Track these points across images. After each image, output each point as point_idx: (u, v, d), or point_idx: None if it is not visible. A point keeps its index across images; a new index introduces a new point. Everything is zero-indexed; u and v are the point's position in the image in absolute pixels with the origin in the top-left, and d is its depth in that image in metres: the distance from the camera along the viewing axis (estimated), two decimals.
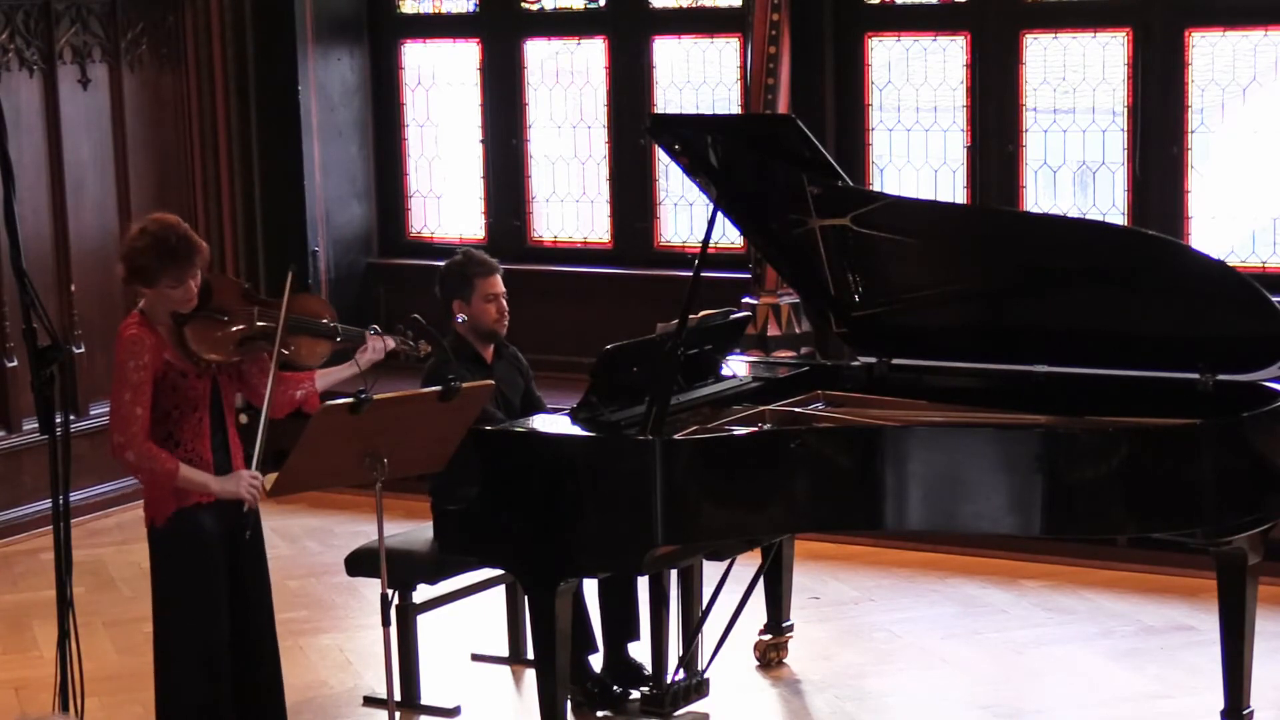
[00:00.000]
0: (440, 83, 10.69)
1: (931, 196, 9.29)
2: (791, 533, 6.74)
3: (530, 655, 6.49)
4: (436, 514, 6.09)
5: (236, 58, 10.10)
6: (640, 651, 6.63)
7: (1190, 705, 6.49)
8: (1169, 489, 5.72)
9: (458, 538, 6.02)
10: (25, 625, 7.67)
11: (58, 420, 5.11)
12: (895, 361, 6.71)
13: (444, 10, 10.70)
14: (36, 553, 8.63)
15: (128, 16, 9.55)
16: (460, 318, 6.47)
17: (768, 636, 7.01)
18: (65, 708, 5.15)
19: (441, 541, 6.09)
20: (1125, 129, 9.01)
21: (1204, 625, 7.17)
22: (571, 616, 6.00)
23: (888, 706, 6.67)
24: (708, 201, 6.37)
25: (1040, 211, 8.98)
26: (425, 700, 6.60)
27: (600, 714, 6.51)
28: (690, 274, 6.06)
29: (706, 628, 6.46)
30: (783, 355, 8.67)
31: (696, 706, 6.43)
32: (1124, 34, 8.98)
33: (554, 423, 6.14)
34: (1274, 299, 5.88)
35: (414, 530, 6.63)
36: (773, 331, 8.91)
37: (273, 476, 5.55)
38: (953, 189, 9.39)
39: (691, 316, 6.05)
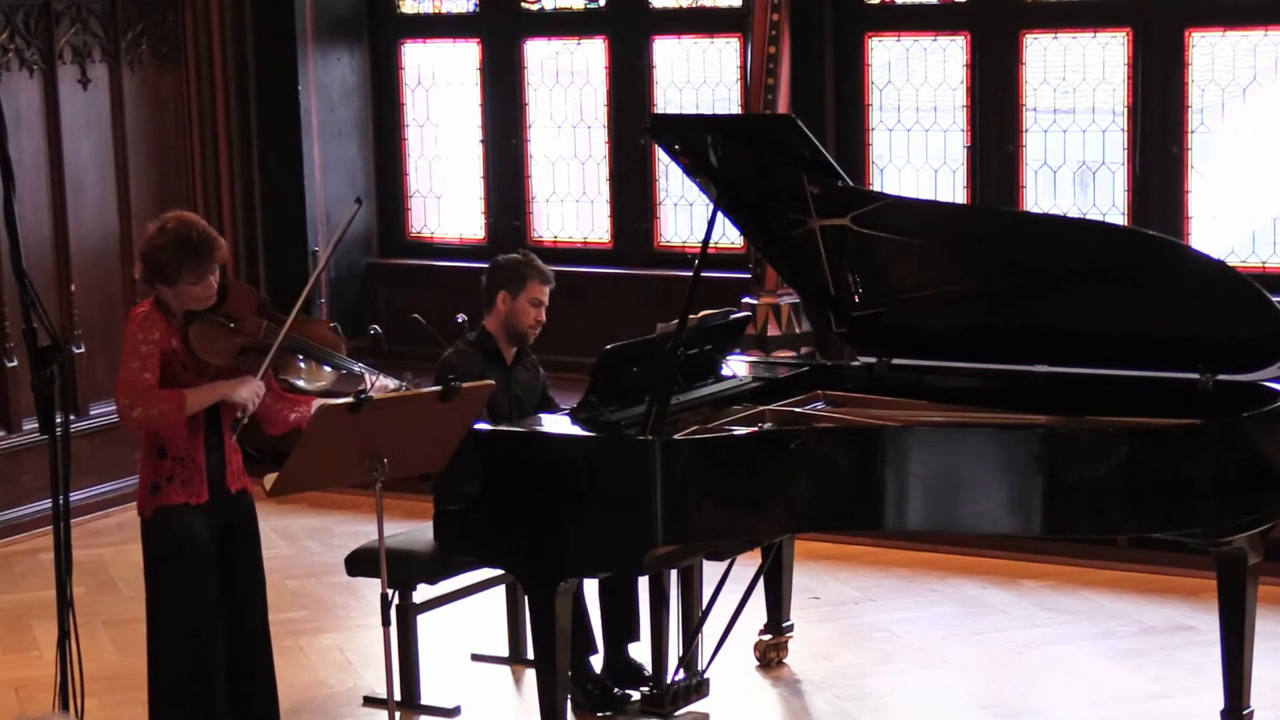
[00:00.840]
0: (440, 83, 10.70)
1: (931, 196, 9.29)
2: (791, 533, 6.74)
3: (530, 655, 6.49)
4: (436, 514, 6.09)
5: (236, 58, 10.10)
6: (640, 651, 6.63)
7: (1190, 705, 6.49)
8: (1169, 489, 5.72)
9: (458, 537, 6.02)
10: (25, 625, 7.67)
11: (58, 420, 5.11)
12: (895, 361, 6.71)
13: (444, 10, 10.70)
14: (36, 553, 8.63)
15: (128, 16, 9.55)
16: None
17: (768, 636, 7.01)
18: (65, 708, 5.15)
19: (441, 541, 6.09)
20: (1125, 129, 9.02)
21: (1204, 625, 7.17)
22: (571, 616, 6.00)
23: (888, 706, 6.67)
24: (708, 201, 6.37)
25: (1040, 211, 8.99)
26: (425, 700, 6.60)
27: (600, 714, 6.50)
28: (690, 274, 6.05)
29: (706, 628, 6.46)
30: (783, 355, 8.67)
31: (696, 706, 6.43)
32: (1124, 34, 8.98)
33: (554, 423, 6.14)
34: (1274, 299, 5.88)
35: (414, 530, 6.63)
36: (773, 331, 8.91)
37: (272, 476, 5.55)
38: (953, 189, 9.40)
39: (691, 316, 6.05)
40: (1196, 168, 8.89)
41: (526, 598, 6.05)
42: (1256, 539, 5.89)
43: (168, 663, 5.62)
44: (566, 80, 10.35)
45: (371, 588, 7.13)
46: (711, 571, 6.54)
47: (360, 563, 6.54)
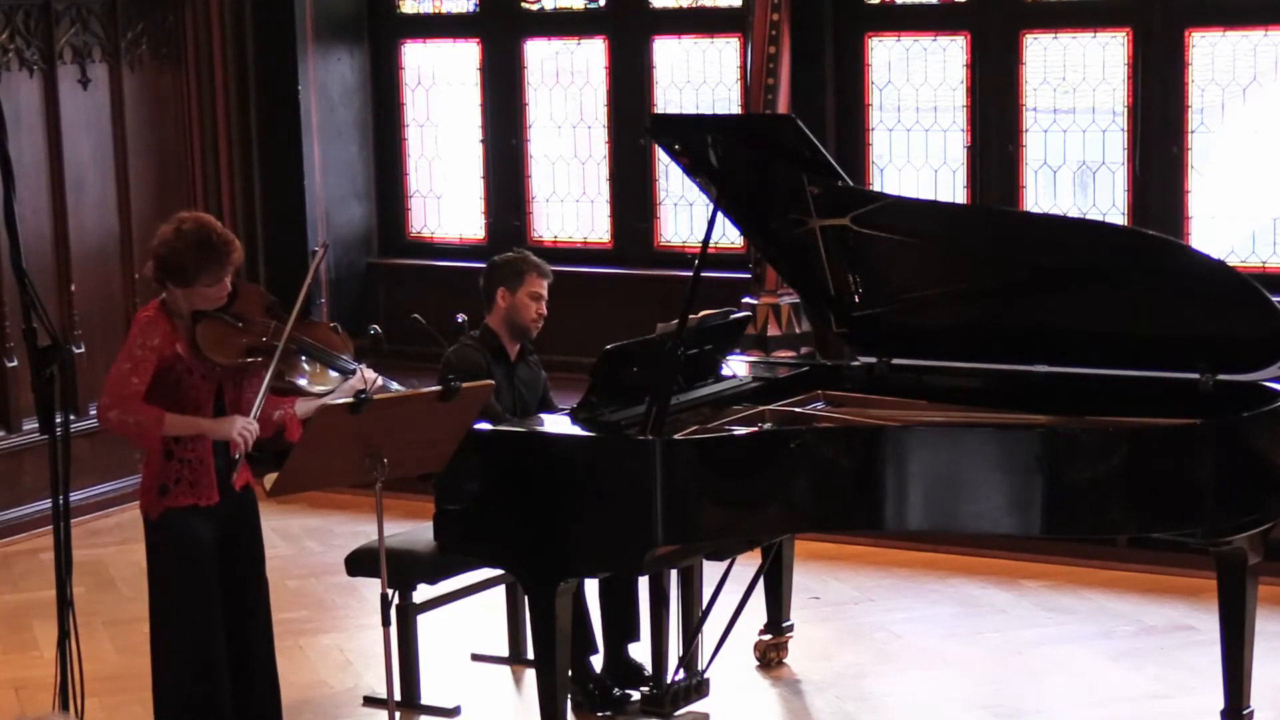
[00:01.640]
0: (440, 83, 10.70)
1: (931, 196, 9.29)
2: (791, 533, 6.74)
3: (530, 655, 6.49)
4: (436, 514, 6.09)
5: (236, 58, 10.10)
6: (640, 651, 6.63)
7: (1190, 705, 6.49)
8: (1169, 489, 5.72)
9: (458, 537, 6.02)
10: (25, 625, 7.67)
11: (58, 420, 5.11)
12: (895, 361, 6.71)
13: (444, 10, 10.70)
14: (36, 553, 8.63)
15: (128, 16, 9.55)
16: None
17: (768, 636, 7.01)
18: (65, 708, 5.15)
19: (441, 541, 6.09)
20: (1125, 129, 9.02)
21: (1204, 625, 7.17)
22: (571, 616, 6.00)
23: (888, 706, 6.67)
24: (708, 201, 6.37)
25: (1040, 211, 8.99)
26: (425, 700, 6.60)
27: (600, 714, 6.50)
28: (690, 274, 6.05)
29: (706, 628, 6.46)
30: (783, 355, 8.67)
31: (696, 706, 6.43)
32: (1124, 34, 8.98)
33: (554, 423, 6.14)
34: (1274, 299, 5.88)
35: (414, 530, 6.63)
36: (773, 331, 8.91)
37: (272, 476, 5.55)
38: (953, 189, 9.40)
39: (691, 316, 6.05)
40: (1196, 168, 8.89)
41: (526, 598, 6.05)
42: (1256, 539, 5.89)
43: (171, 664, 5.63)
44: (566, 80, 10.36)
45: (371, 588, 7.13)
46: (711, 571, 6.53)
47: (360, 563, 6.54)
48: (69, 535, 5.14)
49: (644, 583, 6.56)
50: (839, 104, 9.51)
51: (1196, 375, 6.10)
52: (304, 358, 5.63)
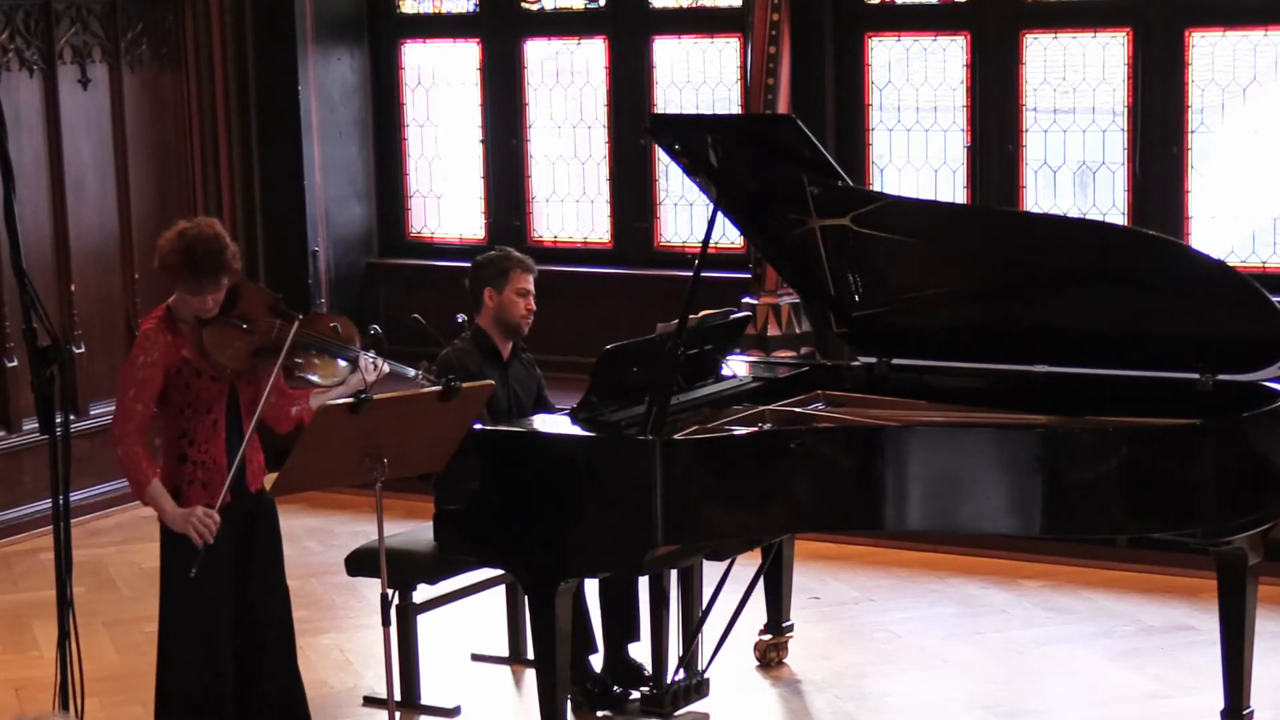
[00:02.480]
0: (440, 83, 10.69)
1: (931, 196, 9.29)
2: (792, 533, 6.74)
3: (530, 655, 6.49)
4: (436, 514, 6.09)
5: (236, 58, 10.10)
6: (640, 651, 6.63)
7: (1190, 705, 6.49)
8: (1169, 489, 5.72)
9: (458, 538, 6.02)
10: (25, 625, 7.67)
11: (58, 420, 5.11)
12: (895, 361, 6.71)
13: (444, 10, 10.70)
14: (36, 553, 8.63)
15: (128, 16, 9.55)
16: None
17: (768, 636, 7.01)
18: (65, 708, 5.15)
19: (441, 541, 6.09)
20: (1125, 129, 9.02)
21: (1204, 625, 7.17)
22: (571, 616, 6.00)
23: (888, 706, 6.67)
24: (708, 201, 6.37)
25: (1040, 211, 8.99)
26: (425, 700, 6.60)
27: (600, 714, 6.50)
28: (690, 274, 6.05)
29: (706, 628, 6.46)
30: (783, 355, 8.67)
31: (696, 706, 6.43)
32: (1124, 34, 8.98)
33: (554, 423, 6.14)
34: (1274, 299, 5.88)
35: (414, 530, 6.63)
36: (773, 331, 8.91)
37: (272, 476, 5.57)
38: (953, 189, 9.40)
39: (691, 316, 6.05)
40: (1196, 168, 8.89)
41: (526, 598, 6.05)
42: (1256, 539, 5.89)
43: (176, 665, 5.64)
44: (566, 80, 10.35)
45: (371, 588, 7.14)
46: (711, 571, 6.53)
47: (360, 563, 6.54)
48: (69, 535, 5.15)
49: (644, 583, 6.56)
50: (839, 104, 9.51)
51: (1196, 375, 6.10)
52: (312, 352, 5.65)
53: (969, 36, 9.29)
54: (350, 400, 5.41)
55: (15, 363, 8.95)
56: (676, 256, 9.97)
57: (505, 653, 7.03)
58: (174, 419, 5.56)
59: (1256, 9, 8.69)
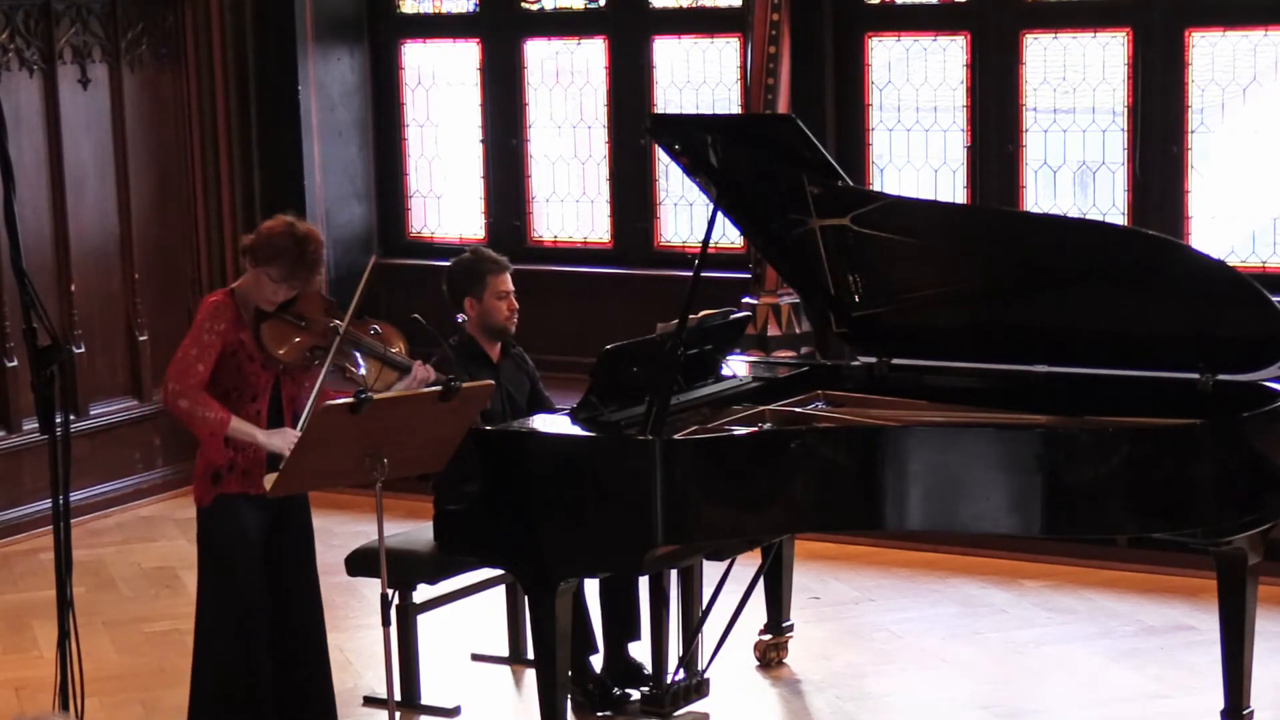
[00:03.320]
0: (440, 83, 10.69)
1: (931, 196, 9.29)
2: (791, 533, 6.74)
3: (530, 655, 6.49)
4: (436, 514, 6.09)
5: (236, 58, 10.09)
6: (640, 651, 6.63)
7: (1190, 705, 6.49)
8: (1169, 489, 5.72)
9: (458, 538, 6.02)
10: (25, 625, 7.67)
11: (58, 420, 5.11)
12: (895, 361, 6.71)
13: (444, 10, 10.70)
14: (36, 553, 8.63)
15: (128, 16, 9.55)
16: (461, 317, 6.46)
17: (768, 636, 7.01)
18: (65, 708, 5.15)
19: (441, 541, 6.09)
20: (1125, 129, 9.01)
21: (1204, 625, 7.17)
22: (571, 616, 6.00)
23: (888, 706, 6.67)
24: (708, 201, 6.37)
25: (1040, 211, 8.98)
26: (425, 700, 6.60)
27: (600, 714, 6.50)
28: (690, 274, 6.05)
29: (706, 628, 6.46)
30: (783, 355, 8.67)
31: (696, 706, 6.43)
32: (1124, 34, 8.98)
33: (554, 423, 6.14)
34: (1274, 299, 5.88)
35: (414, 530, 6.63)
36: (773, 331, 8.91)
37: (272, 477, 5.59)
38: (953, 189, 9.39)
39: (691, 316, 6.05)
40: (1196, 168, 8.88)
41: (526, 598, 6.05)
42: (1256, 539, 5.89)
43: (211, 651, 5.77)
44: (566, 80, 10.35)
45: (371, 588, 7.14)
46: (711, 571, 6.54)
47: (360, 563, 6.54)
48: (69, 535, 5.15)
49: (644, 583, 6.56)
50: (839, 104, 9.51)
51: (1196, 375, 6.10)
52: (359, 354, 5.80)
53: (969, 36, 9.28)
54: (350, 400, 5.42)
55: (15, 363, 8.95)
56: (676, 256, 9.97)
57: (505, 653, 7.04)
58: (219, 400, 5.68)
59: (1256, 9, 8.69)
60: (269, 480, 5.61)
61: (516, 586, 6.77)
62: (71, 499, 5.20)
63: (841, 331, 6.74)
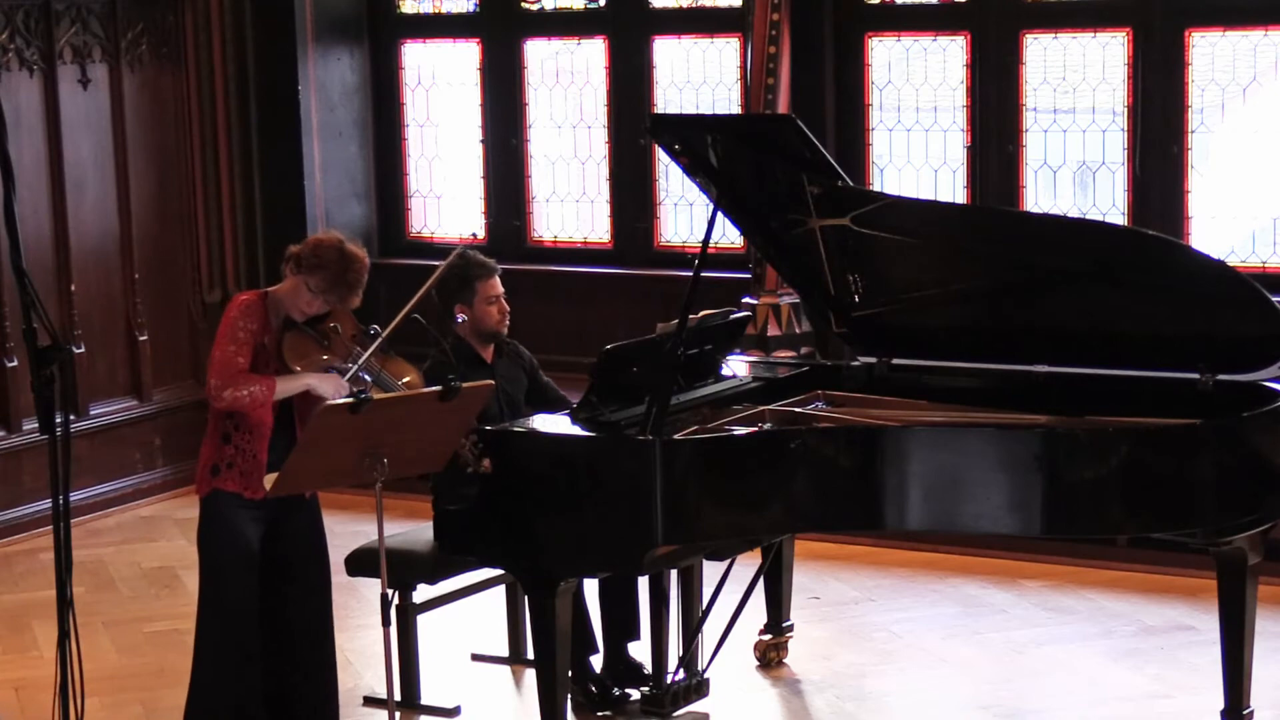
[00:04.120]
0: (440, 83, 10.69)
1: (931, 196, 9.29)
2: (791, 533, 6.74)
3: (530, 655, 6.49)
4: (436, 514, 6.09)
5: (236, 58, 10.10)
6: (640, 651, 6.63)
7: (1190, 705, 6.49)
8: (1169, 489, 5.72)
9: (458, 538, 6.02)
10: (25, 625, 7.67)
11: (58, 420, 5.11)
12: (895, 361, 6.71)
13: (444, 10, 10.70)
14: (36, 553, 8.63)
15: (128, 16, 9.55)
16: (460, 318, 6.46)
17: (768, 636, 7.01)
18: (65, 708, 5.15)
19: (441, 541, 6.09)
20: (1125, 129, 9.01)
21: (1204, 625, 7.17)
22: (571, 616, 6.00)
23: (888, 706, 6.67)
24: (708, 201, 6.37)
25: (1040, 211, 8.98)
26: (425, 700, 6.60)
27: (600, 714, 6.50)
28: (690, 274, 6.05)
29: (706, 628, 6.46)
30: (783, 355, 8.67)
31: (696, 706, 6.43)
32: (1124, 34, 8.98)
33: (554, 423, 6.14)
34: (1274, 299, 5.88)
35: (414, 530, 6.63)
36: (773, 331, 8.91)
37: (272, 477, 5.59)
38: (953, 189, 9.39)
39: (691, 316, 6.05)
40: (1196, 168, 8.89)
41: (526, 598, 6.05)
42: (1256, 539, 5.89)
43: (207, 640, 5.81)
44: (566, 80, 10.35)
45: (371, 588, 7.14)
46: (711, 571, 6.54)
47: (360, 563, 6.54)
48: (69, 535, 5.14)
49: (644, 583, 6.56)
50: (839, 104, 9.51)
51: (1196, 375, 6.10)
52: (373, 382, 5.80)
53: (969, 36, 9.29)
54: (350, 400, 5.42)
55: (15, 363, 8.95)
56: (676, 256, 9.97)
57: (505, 653, 7.04)
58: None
59: (1256, 9, 8.69)
60: (269, 480, 5.61)
61: (516, 586, 6.77)
62: (71, 499, 5.19)
63: (841, 331, 6.74)
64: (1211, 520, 5.78)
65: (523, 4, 10.41)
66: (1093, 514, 5.75)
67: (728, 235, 9.05)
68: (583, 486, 5.80)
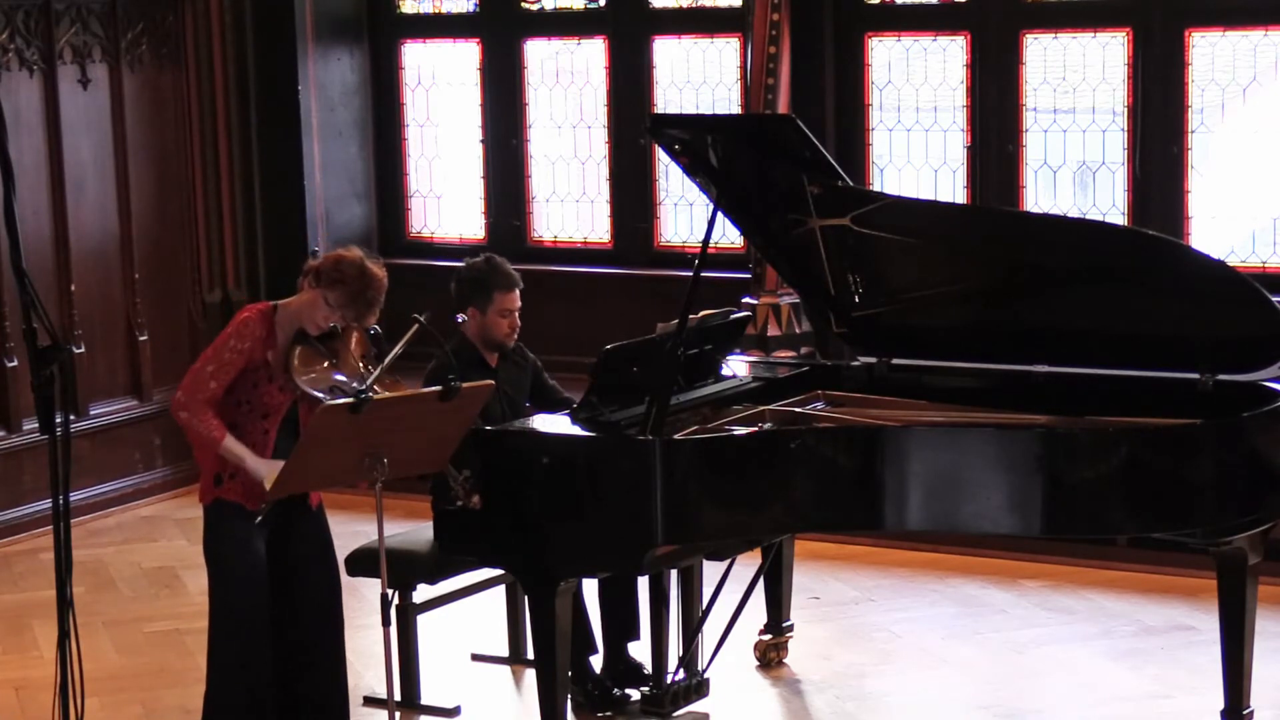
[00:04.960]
0: (440, 83, 10.70)
1: (931, 196, 9.29)
2: (791, 533, 6.74)
3: (530, 655, 6.49)
4: (436, 514, 6.09)
5: (236, 58, 10.09)
6: (640, 651, 6.63)
7: (1190, 705, 6.49)
8: (1169, 489, 5.72)
9: (458, 537, 6.01)
10: (25, 625, 7.67)
11: (58, 420, 5.11)
12: (895, 361, 6.71)
13: (444, 10, 10.70)
14: (36, 553, 8.63)
15: (128, 16, 9.55)
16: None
17: (768, 636, 7.01)
18: (65, 708, 5.15)
19: (441, 541, 6.09)
20: (1125, 129, 9.02)
21: (1204, 625, 7.17)
22: (571, 616, 6.00)
23: (888, 706, 6.67)
24: (708, 201, 6.37)
25: (1040, 211, 8.98)
26: (425, 700, 6.60)
27: (600, 714, 6.50)
28: (690, 274, 6.05)
29: (706, 628, 6.46)
30: (783, 355, 8.67)
31: (696, 706, 6.43)
32: (1124, 34, 8.98)
33: (554, 423, 6.14)
34: (1274, 299, 5.88)
35: (414, 530, 6.63)
36: (773, 331, 8.91)
37: (273, 477, 5.56)
38: (953, 189, 9.40)
39: (691, 316, 6.05)
40: (1196, 168, 8.89)
41: (526, 598, 6.05)
42: (1256, 539, 5.89)
43: (219, 649, 5.79)
44: (566, 80, 10.36)
45: (371, 588, 7.13)
46: (711, 571, 6.54)
47: (360, 563, 6.54)
48: (69, 535, 5.14)
49: (644, 583, 6.56)
50: (839, 104, 9.51)
51: (1196, 375, 6.10)
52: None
53: (969, 36, 9.29)
54: (350, 400, 5.42)
55: (15, 363, 8.95)
56: (676, 256, 9.97)
57: (505, 653, 7.04)
58: (230, 410, 5.67)
59: (1256, 9, 8.69)
60: (269, 480, 5.60)
61: (516, 586, 6.77)
62: (71, 499, 5.19)
63: (841, 331, 6.74)
64: (1211, 520, 5.78)
65: (523, 4, 10.41)
66: (1093, 514, 5.75)
67: (728, 235, 9.05)
68: (583, 486, 5.80)
